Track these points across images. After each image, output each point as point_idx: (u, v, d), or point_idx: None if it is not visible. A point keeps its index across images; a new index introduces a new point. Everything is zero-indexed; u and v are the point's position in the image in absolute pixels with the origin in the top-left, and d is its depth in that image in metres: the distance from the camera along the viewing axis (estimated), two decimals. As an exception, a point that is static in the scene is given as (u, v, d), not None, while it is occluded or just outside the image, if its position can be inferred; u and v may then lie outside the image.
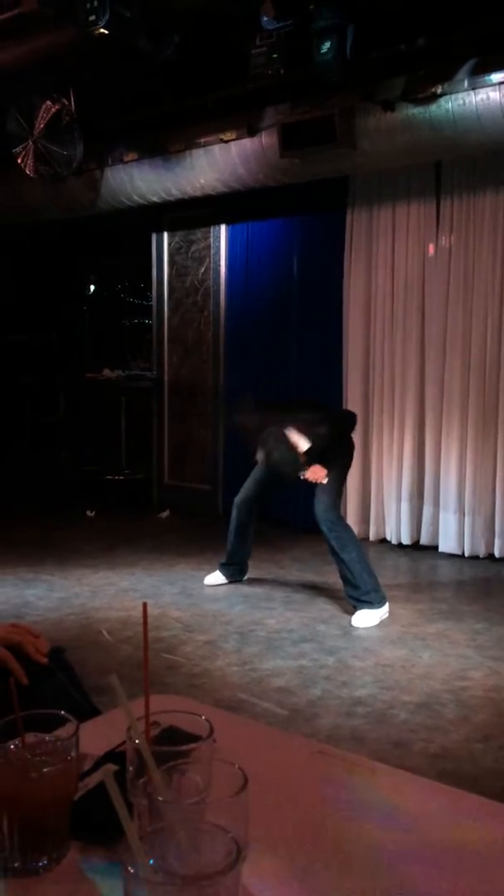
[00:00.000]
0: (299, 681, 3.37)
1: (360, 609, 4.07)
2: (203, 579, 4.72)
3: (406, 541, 5.61)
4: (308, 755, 1.07)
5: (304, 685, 3.33)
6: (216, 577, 4.71)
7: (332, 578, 4.85)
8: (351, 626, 4.01)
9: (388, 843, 0.87)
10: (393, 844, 0.87)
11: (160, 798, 0.72)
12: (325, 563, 5.19)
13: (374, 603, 4.08)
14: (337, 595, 4.46)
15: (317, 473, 4.08)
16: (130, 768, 0.80)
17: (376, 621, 4.05)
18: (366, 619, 4.04)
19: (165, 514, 6.61)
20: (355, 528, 5.81)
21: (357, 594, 4.09)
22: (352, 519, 5.82)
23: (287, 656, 3.64)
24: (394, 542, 5.68)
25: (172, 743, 0.82)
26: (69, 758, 0.83)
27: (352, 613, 4.09)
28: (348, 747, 2.66)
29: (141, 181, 5.85)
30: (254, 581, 4.76)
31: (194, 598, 4.47)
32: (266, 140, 5.10)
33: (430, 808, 0.95)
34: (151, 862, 0.62)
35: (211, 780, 0.76)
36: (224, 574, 4.71)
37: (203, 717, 0.85)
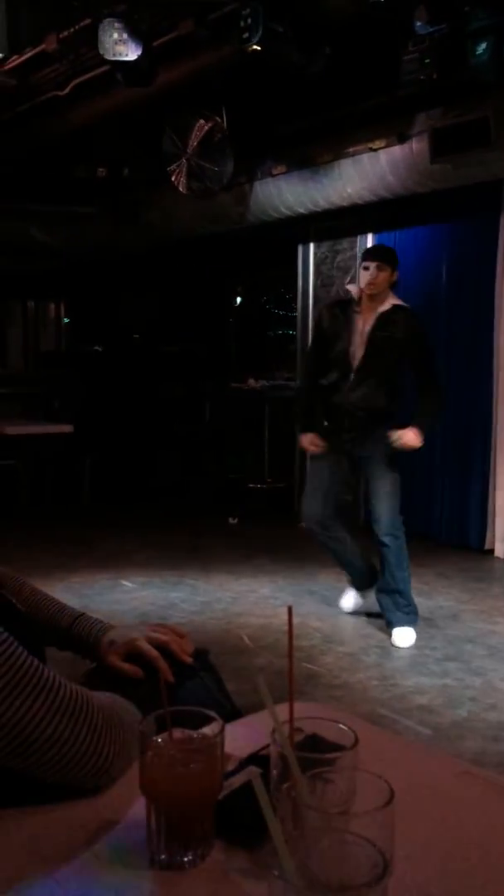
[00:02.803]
0: (443, 700, 3.26)
1: (400, 627, 3.90)
2: (343, 591, 4.64)
3: None
4: (454, 775, 1.03)
5: (449, 705, 3.22)
6: (352, 599, 4.41)
7: (479, 596, 4.68)
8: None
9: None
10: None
11: (305, 804, 0.71)
12: (472, 580, 5.01)
13: (413, 616, 3.92)
14: (483, 614, 4.29)
15: (410, 437, 3.66)
16: (274, 772, 0.80)
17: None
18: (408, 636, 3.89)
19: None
20: (499, 546, 5.58)
21: (404, 609, 3.90)
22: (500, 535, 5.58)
23: (430, 674, 3.54)
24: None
25: (316, 750, 0.81)
26: (215, 756, 0.83)
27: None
28: (497, 773, 2.55)
29: (289, 193, 5.91)
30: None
31: (335, 608, 4.43)
32: (416, 146, 5.02)
33: None
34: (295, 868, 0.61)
35: (355, 790, 0.75)
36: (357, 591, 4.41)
37: (347, 727, 0.83)
